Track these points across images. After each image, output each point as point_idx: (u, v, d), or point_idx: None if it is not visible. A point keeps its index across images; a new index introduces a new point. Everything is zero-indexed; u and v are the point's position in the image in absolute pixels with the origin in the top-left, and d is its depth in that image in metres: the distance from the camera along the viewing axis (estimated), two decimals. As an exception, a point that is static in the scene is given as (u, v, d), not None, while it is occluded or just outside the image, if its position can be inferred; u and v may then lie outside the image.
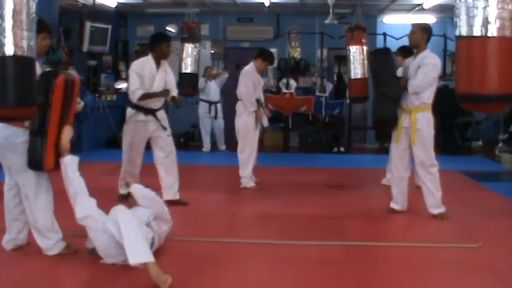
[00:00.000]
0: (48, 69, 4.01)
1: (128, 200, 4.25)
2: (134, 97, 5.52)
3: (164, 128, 5.69)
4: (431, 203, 5.28)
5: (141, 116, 5.61)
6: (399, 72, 5.49)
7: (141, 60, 5.71)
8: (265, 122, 7.03)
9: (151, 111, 5.64)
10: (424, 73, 5.12)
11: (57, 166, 3.90)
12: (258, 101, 6.82)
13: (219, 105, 10.51)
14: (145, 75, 5.55)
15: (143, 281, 3.48)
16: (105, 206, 5.76)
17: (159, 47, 5.56)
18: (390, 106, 5.27)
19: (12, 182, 4.05)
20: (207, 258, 4.02)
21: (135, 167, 5.77)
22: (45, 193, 3.97)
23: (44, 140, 3.77)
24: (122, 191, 5.67)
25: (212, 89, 10.38)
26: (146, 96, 5.52)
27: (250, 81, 6.66)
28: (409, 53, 5.63)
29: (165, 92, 5.66)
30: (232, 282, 3.69)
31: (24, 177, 3.90)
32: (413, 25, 5.32)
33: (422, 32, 5.21)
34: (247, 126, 6.70)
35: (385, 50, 5.77)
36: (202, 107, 10.49)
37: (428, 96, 5.22)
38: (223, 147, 10.55)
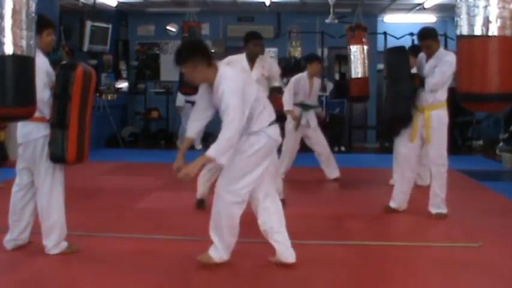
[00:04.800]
0: (65, 62, 4.04)
1: None
2: None
3: None
4: (433, 203, 5.28)
5: None
6: (413, 70, 5.48)
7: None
8: (313, 123, 7.29)
9: None
10: (442, 71, 5.09)
11: (78, 160, 3.92)
12: (302, 104, 7.13)
13: None
14: None
15: (145, 280, 3.48)
16: (105, 205, 5.80)
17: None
18: (404, 104, 5.25)
19: (24, 183, 4.04)
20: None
21: None
22: (60, 190, 4.00)
23: (65, 133, 3.81)
24: None
25: None
26: None
27: (294, 84, 7.13)
28: (419, 51, 5.59)
29: None
30: (232, 281, 3.69)
31: (43, 172, 3.91)
32: (424, 39, 5.18)
33: (434, 40, 5.17)
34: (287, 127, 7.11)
35: (401, 49, 5.69)
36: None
37: (442, 93, 5.21)
38: (199, 146, 10.49)
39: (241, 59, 5.49)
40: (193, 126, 3.87)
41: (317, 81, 7.37)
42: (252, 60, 5.49)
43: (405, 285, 3.73)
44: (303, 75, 7.22)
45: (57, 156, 3.86)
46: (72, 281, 3.70)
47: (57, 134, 3.82)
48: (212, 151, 3.48)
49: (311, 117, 7.26)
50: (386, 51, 6.00)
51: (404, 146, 5.43)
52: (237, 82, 3.60)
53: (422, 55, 5.38)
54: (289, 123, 7.15)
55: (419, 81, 5.19)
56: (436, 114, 5.18)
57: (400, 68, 5.30)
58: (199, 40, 3.60)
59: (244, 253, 4.22)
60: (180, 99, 10.50)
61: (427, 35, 5.21)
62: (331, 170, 7.34)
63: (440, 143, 5.21)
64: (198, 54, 3.57)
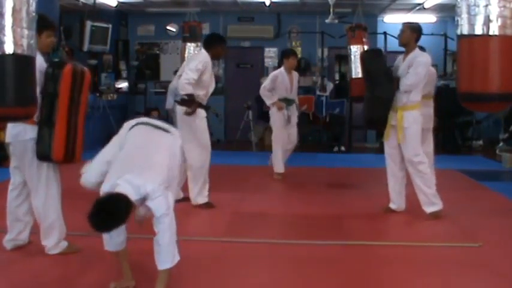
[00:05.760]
0: (56, 60, 4.00)
1: None
2: None
3: None
4: (424, 201, 5.26)
5: None
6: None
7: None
8: (293, 119, 7.45)
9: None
10: (416, 72, 5.14)
11: (66, 159, 3.85)
12: (286, 99, 7.30)
13: None
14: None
15: (145, 280, 3.48)
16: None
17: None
18: (383, 107, 5.27)
19: (17, 182, 4.03)
20: (207, 258, 4.02)
21: None
22: (56, 189, 3.97)
23: (52, 131, 3.75)
24: None
25: None
26: None
27: (271, 81, 7.31)
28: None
29: None
30: (232, 282, 3.68)
31: (35, 173, 3.88)
32: (403, 24, 5.40)
33: (411, 32, 5.28)
34: (273, 118, 7.36)
35: (376, 51, 5.76)
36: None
37: (416, 94, 5.22)
38: None
39: (208, 57, 5.60)
40: (118, 241, 3.44)
41: (295, 75, 7.48)
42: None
43: (405, 285, 3.72)
44: (280, 71, 7.37)
45: (43, 155, 3.80)
46: (72, 281, 3.69)
47: (44, 132, 3.76)
48: (167, 263, 3.17)
49: (293, 114, 7.44)
50: (362, 54, 6.05)
51: (387, 146, 5.44)
52: (167, 202, 3.22)
53: (399, 59, 5.42)
54: (274, 115, 7.30)
55: (397, 83, 5.22)
56: (409, 115, 5.19)
57: (377, 72, 5.31)
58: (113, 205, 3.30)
59: (243, 252, 4.23)
60: (170, 101, 10.43)
61: (406, 22, 5.46)
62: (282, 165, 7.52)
63: (414, 142, 5.21)
64: (125, 218, 3.20)
